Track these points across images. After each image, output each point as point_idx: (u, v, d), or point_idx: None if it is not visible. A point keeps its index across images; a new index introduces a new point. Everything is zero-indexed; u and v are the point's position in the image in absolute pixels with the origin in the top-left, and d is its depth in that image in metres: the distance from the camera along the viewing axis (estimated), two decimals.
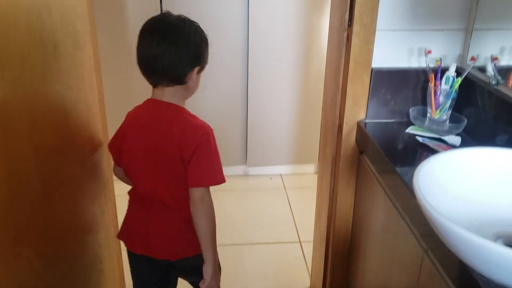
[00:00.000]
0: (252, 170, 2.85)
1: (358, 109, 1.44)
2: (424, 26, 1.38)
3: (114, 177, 1.43)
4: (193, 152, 1.21)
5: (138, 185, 1.31)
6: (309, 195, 2.59)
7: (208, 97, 2.58)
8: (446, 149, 1.25)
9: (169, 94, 1.23)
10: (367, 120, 1.45)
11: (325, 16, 2.47)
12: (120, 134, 1.30)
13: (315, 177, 2.82)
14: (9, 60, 0.82)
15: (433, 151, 1.26)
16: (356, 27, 1.34)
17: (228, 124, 2.67)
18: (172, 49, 1.17)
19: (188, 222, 1.26)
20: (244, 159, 2.79)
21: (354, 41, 1.36)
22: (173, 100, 1.23)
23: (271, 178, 2.80)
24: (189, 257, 1.32)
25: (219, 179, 1.26)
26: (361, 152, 1.49)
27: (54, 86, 1.05)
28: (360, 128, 1.44)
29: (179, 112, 1.25)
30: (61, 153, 1.10)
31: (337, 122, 1.51)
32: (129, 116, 1.30)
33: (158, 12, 1.23)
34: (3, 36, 0.81)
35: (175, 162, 1.22)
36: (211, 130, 1.25)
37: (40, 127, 0.98)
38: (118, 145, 1.30)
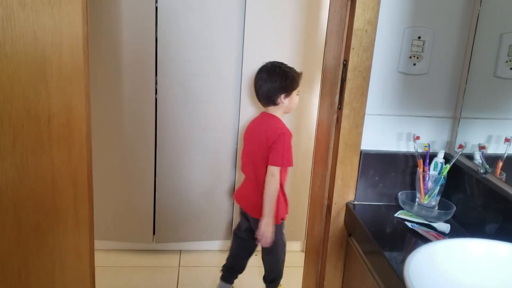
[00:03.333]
0: None
1: (347, 190, 1.44)
2: (412, 112, 1.41)
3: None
4: (272, 144, 1.99)
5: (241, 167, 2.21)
6: (296, 275, 2.52)
7: (201, 171, 2.58)
8: (435, 236, 1.24)
9: (271, 110, 2.10)
10: (356, 202, 1.45)
11: (315, 97, 2.53)
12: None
13: (302, 255, 2.77)
14: (1, 133, 0.81)
15: (422, 238, 1.25)
16: (346, 110, 1.37)
17: (213, 197, 2.65)
18: (264, 84, 2.05)
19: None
20: (229, 233, 2.74)
21: (344, 123, 1.38)
22: (274, 113, 2.09)
23: (255, 255, 2.73)
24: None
25: (283, 163, 2.00)
26: (350, 235, 1.47)
27: (45, 159, 1.03)
28: (349, 209, 1.43)
29: (271, 120, 2.08)
30: (43, 231, 1.06)
31: (326, 203, 1.50)
32: (249, 123, 2.19)
33: None
34: None
35: (260, 149, 2.03)
36: (288, 132, 2.03)
37: (26, 202, 0.95)
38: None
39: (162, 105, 2.45)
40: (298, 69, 2.45)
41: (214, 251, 2.78)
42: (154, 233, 2.65)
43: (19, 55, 1.01)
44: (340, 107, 1.40)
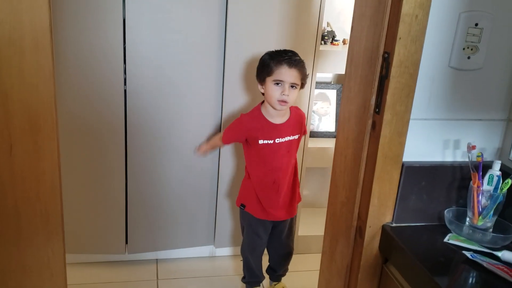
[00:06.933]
0: (220, 251, 2.52)
1: (384, 211, 1.19)
2: (461, 115, 1.17)
3: None
4: None
5: None
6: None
7: (177, 173, 2.27)
8: (507, 272, 1.01)
9: None
10: (394, 224, 1.20)
11: (307, 88, 2.25)
12: None
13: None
14: None
15: (489, 273, 1.02)
16: (387, 115, 1.11)
17: (195, 199, 2.35)
18: None
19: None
20: (212, 238, 2.46)
21: (384, 131, 1.12)
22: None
23: (241, 260, 2.47)
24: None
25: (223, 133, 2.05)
26: (385, 261, 1.23)
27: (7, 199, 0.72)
28: (387, 233, 1.19)
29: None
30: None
31: (355, 224, 1.25)
32: None
33: None
34: None
35: None
36: (242, 115, 1.97)
37: None
38: None
39: (133, 98, 2.11)
40: None
41: (195, 258, 2.49)
42: (126, 243, 2.33)
43: None
44: (378, 111, 1.13)
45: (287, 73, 1.80)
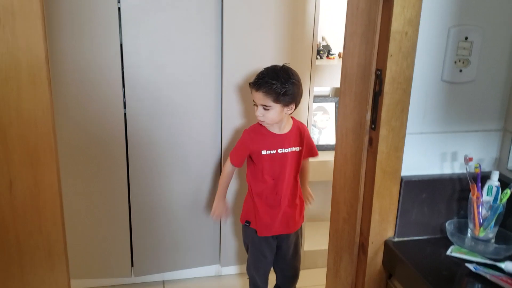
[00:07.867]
0: (226, 270, 2.51)
1: (386, 226, 1.19)
2: (457, 127, 1.18)
3: None
4: None
5: None
6: None
7: (180, 193, 2.28)
8: (509, 283, 1.01)
9: None
10: (396, 239, 1.20)
11: (305, 102, 2.27)
12: None
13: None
14: None
15: (494, 286, 1.02)
16: (383, 131, 1.12)
17: (199, 219, 2.35)
18: None
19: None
20: (217, 257, 2.46)
21: (381, 147, 1.13)
22: None
23: (247, 278, 2.47)
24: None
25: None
26: (389, 276, 1.23)
27: (8, 235, 0.73)
28: (389, 248, 1.19)
29: None
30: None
31: (358, 240, 1.25)
32: None
33: None
34: None
35: None
36: (246, 129, 2.01)
37: None
38: None
39: (133, 121, 2.12)
40: None
41: (201, 278, 2.49)
42: (132, 265, 2.33)
43: None
44: (374, 127, 1.14)
45: (255, 96, 1.89)
